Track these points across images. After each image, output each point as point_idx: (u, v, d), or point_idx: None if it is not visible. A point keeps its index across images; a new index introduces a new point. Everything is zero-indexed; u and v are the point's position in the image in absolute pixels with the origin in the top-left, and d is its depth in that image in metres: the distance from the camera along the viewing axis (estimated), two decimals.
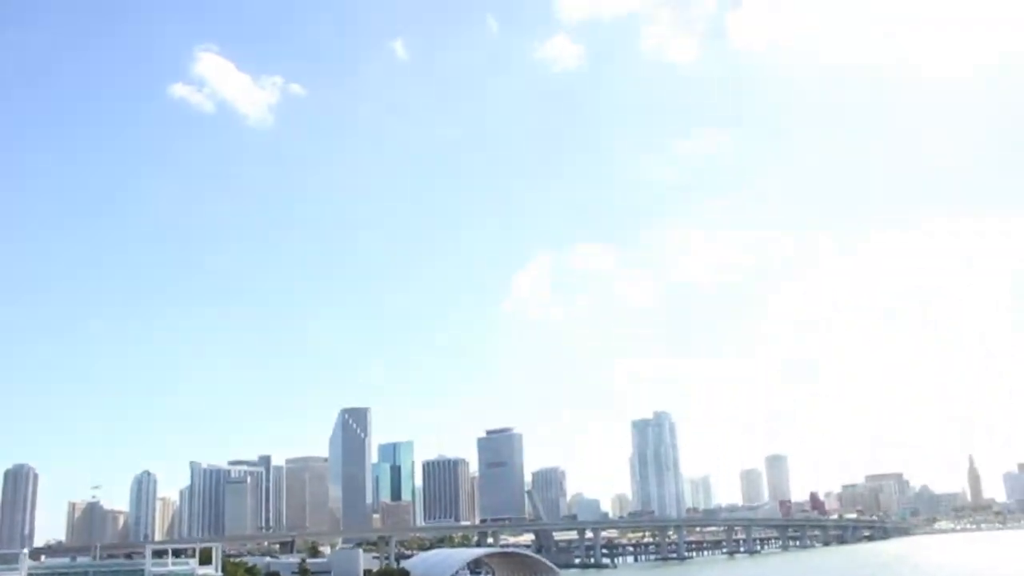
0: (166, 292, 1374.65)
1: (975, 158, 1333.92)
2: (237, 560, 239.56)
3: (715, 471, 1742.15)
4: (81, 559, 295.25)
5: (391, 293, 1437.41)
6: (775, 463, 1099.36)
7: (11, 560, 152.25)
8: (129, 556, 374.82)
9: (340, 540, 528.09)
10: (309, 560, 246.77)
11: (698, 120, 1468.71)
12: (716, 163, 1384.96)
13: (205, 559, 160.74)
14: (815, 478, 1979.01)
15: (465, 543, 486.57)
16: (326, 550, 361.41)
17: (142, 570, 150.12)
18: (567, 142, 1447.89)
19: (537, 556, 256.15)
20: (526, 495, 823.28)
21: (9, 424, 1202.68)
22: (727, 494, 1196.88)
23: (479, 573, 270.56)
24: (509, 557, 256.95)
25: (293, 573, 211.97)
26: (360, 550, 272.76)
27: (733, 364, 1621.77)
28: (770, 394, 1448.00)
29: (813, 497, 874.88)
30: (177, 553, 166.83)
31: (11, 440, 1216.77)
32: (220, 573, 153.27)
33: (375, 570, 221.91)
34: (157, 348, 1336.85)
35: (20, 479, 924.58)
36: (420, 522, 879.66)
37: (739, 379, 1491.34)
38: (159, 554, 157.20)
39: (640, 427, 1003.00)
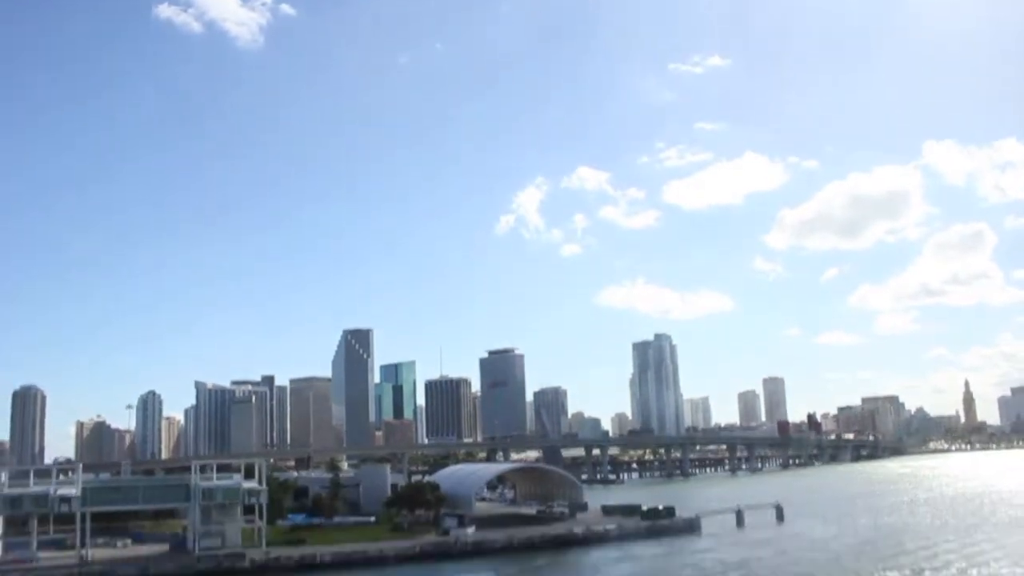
0: (167, 213, 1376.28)
1: (979, 86, 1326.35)
2: None
3: (714, 392, 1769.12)
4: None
5: (389, 215, 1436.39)
6: (772, 385, 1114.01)
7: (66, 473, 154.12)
8: (147, 472, 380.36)
9: (345, 457, 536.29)
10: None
11: (697, 45, 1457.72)
12: (714, 88, 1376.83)
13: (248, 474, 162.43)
14: (811, 400, 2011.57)
15: (469, 460, 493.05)
16: (344, 467, 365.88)
17: (188, 485, 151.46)
18: (565, 65, 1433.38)
19: (559, 470, 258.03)
20: (535, 413, 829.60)
21: (15, 346, 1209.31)
22: (725, 415, 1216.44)
23: (499, 487, 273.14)
24: (531, 472, 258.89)
25: (323, 487, 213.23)
26: (387, 466, 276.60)
27: (729, 287, 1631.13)
28: (767, 317, 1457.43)
29: (810, 418, 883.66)
30: (220, 468, 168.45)
31: (18, 362, 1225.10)
32: (265, 487, 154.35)
33: (400, 485, 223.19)
34: (158, 269, 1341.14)
35: (28, 400, 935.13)
36: (423, 440, 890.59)
37: (735, 303, 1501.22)
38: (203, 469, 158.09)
39: (641, 348, 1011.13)
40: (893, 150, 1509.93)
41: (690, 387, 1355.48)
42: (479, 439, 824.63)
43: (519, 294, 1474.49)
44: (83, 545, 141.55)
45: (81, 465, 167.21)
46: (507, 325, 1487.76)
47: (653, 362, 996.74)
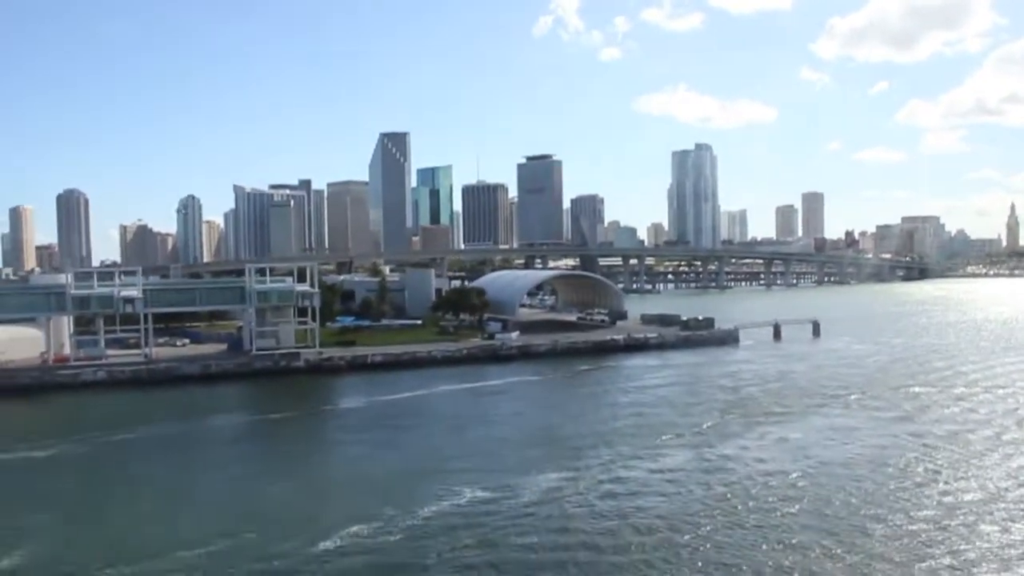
0: (208, 12, 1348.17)
1: None
2: None
3: (751, 205, 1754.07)
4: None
5: (425, 15, 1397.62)
6: (811, 200, 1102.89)
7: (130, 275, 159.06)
8: (194, 275, 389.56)
9: (382, 261, 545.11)
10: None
11: None
12: None
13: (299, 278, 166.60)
14: (850, 217, 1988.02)
15: (506, 266, 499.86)
16: (385, 271, 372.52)
17: (243, 287, 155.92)
18: None
19: (601, 278, 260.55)
20: (572, 221, 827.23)
21: (56, 151, 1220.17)
22: (761, 228, 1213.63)
23: (538, 294, 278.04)
24: (572, 279, 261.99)
25: (369, 291, 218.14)
26: (432, 271, 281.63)
27: (772, 97, 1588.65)
28: (809, 130, 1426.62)
29: (848, 235, 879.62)
30: (272, 270, 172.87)
31: (59, 166, 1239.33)
32: (318, 290, 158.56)
33: (444, 290, 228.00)
34: (196, 71, 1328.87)
35: (72, 204, 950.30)
36: (459, 246, 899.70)
37: (779, 114, 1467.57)
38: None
39: (680, 158, 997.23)
40: None
41: (727, 199, 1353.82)
42: (515, 245, 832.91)
43: (557, 99, 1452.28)
44: (146, 343, 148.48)
45: (141, 268, 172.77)
46: (545, 131, 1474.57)
47: (692, 172, 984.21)
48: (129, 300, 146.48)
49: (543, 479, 72.69)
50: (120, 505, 69.69)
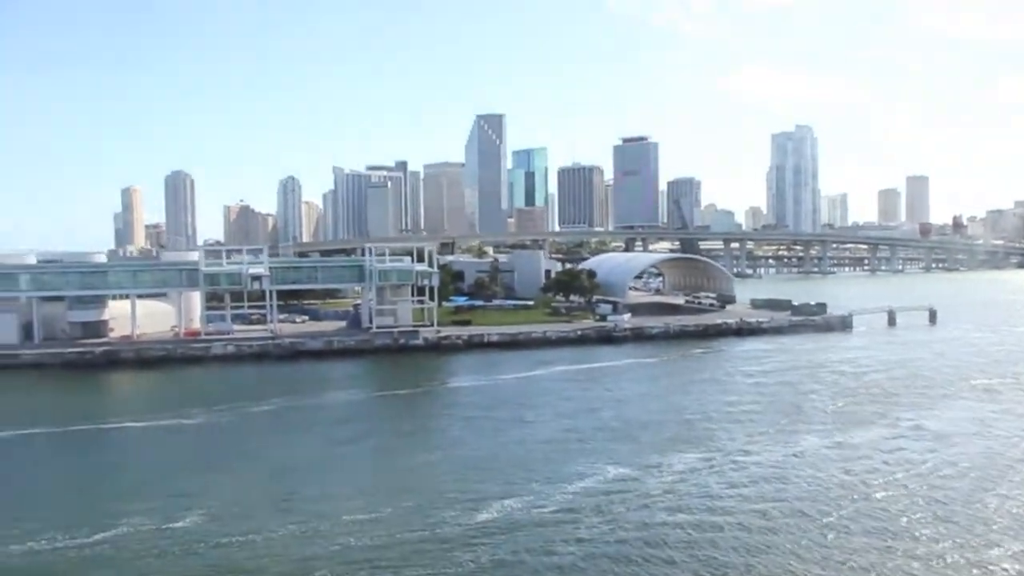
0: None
1: None
2: None
3: (852, 189, 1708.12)
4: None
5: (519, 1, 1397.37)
6: (916, 183, 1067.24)
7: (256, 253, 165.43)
8: (301, 254, 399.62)
9: (479, 242, 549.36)
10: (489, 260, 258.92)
11: None
12: None
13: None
14: (957, 202, 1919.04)
15: (601, 248, 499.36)
16: (490, 252, 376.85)
17: (362, 266, 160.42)
18: None
19: (711, 262, 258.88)
20: (668, 204, 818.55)
21: (164, 133, 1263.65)
22: (863, 213, 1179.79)
23: (643, 276, 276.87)
24: (680, 262, 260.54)
25: (478, 271, 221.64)
26: (541, 252, 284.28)
27: (873, 76, 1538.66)
28: (912, 111, 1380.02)
29: (955, 221, 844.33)
30: (356, 251, 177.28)
31: (168, 148, 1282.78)
32: (436, 270, 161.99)
33: (553, 271, 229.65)
34: (296, 56, 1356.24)
35: (179, 184, 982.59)
36: (554, 227, 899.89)
37: (879, 94, 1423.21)
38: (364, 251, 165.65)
39: (780, 140, 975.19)
40: None
41: (827, 182, 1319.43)
42: (610, 228, 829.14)
43: (651, 79, 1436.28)
44: (271, 319, 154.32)
45: (267, 247, 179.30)
46: (640, 112, 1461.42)
47: (792, 155, 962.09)
48: (257, 277, 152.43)
49: (681, 458, 73.89)
50: (275, 472, 73.41)
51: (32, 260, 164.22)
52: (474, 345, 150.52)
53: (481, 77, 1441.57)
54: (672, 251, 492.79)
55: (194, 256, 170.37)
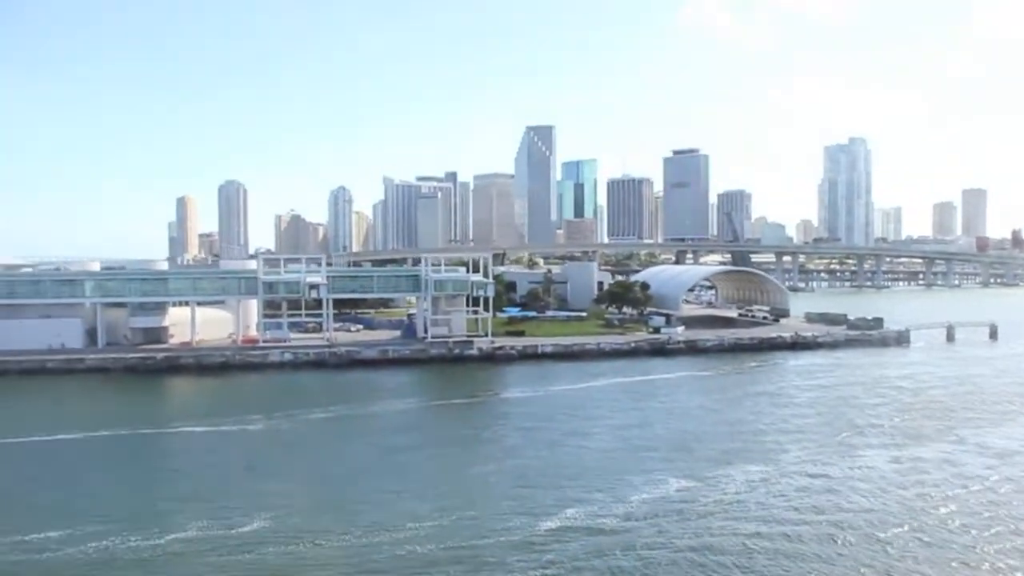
0: (359, 14, 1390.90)
1: None
2: None
3: (907, 202, 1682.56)
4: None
5: (569, 11, 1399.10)
6: (972, 197, 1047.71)
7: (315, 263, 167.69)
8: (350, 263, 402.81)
9: (527, 254, 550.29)
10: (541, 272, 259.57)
11: None
12: None
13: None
14: (1017, 215, 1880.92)
15: (651, 261, 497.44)
16: (541, 263, 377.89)
17: (418, 275, 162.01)
18: None
19: (765, 275, 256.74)
20: (723, 216, 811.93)
21: (218, 144, 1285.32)
22: (917, 226, 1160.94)
23: (694, 289, 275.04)
24: (734, 275, 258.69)
25: (531, 282, 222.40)
26: (595, 263, 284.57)
27: (928, 88, 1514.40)
28: (969, 123, 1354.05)
29: (1015, 235, 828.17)
30: (397, 261, 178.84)
31: (220, 158, 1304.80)
32: (492, 280, 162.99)
33: (606, 283, 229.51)
34: (346, 67, 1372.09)
35: (232, 193, 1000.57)
36: (603, 239, 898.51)
37: (935, 106, 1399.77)
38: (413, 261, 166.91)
39: (833, 152, 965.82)
40: None
41: (880, 195, 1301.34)
42: (659, 240, 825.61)
43: (702, 91, 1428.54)
44: (328, 328, 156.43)
45: (324, 256, 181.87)
46: (689, 124, 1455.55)
47: (845, 168, 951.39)
48: (314, 286, 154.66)
49: (737, 472, 73.80)
50: (334, 478, 74.80)
51: (96, 267, 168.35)
52: (528, 356, 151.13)
53: (531, 88, 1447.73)
54: (723, 264, 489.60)
55: (252, 265, 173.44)
